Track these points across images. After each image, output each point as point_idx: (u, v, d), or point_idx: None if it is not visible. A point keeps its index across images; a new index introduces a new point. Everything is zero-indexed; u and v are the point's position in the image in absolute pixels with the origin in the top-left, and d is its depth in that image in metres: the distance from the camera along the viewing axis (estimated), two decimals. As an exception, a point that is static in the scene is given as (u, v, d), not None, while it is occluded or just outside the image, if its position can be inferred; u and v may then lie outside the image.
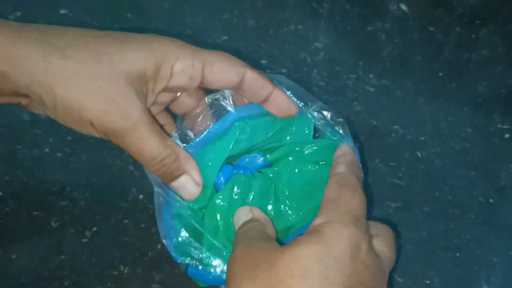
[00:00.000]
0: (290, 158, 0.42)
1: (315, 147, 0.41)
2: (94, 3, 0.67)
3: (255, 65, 0.61)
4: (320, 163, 0.42)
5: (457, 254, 0.48)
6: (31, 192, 0.48)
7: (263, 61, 0.62)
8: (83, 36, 0.33)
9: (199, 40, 0.64)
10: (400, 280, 0.46)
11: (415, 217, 0.50)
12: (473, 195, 0.52)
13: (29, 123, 0.54)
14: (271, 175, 0.41)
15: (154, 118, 0.36)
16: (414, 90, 0.61)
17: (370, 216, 0.50)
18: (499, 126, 0.58)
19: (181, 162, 0.36)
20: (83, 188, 0.49)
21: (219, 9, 0.68)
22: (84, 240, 0.46)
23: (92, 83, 0.32)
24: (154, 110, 0.40)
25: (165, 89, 0.37)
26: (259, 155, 0.42)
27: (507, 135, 0.57)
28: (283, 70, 0.61)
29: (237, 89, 0.39)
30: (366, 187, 0.49)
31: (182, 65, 0.35)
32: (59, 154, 0.51)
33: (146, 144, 0.34)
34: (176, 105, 0.41)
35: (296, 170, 0.41)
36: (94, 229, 0.47)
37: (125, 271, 0.44)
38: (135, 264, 0.45)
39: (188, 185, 0.36)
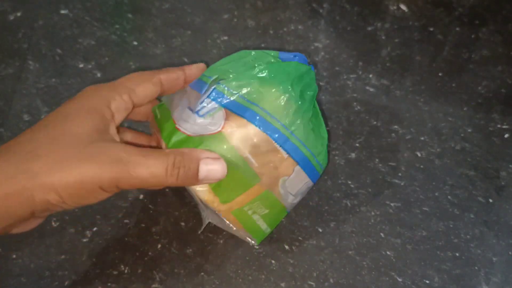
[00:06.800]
0: None
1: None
2: (94, 3, 0.67)
3: (255, 65, 0.62)
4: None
5: (457, 254, 0.48)
6: (31, 192, 0.48)
7: (263, 61, 0.62)
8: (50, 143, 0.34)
9: (199, 40, 0.64)
10: (400, 279, 0.46)
11: (415, 217, 0.50)
12: (473, 195, 0.52)
13: (28, 123, 0.54)
14: None
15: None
16: (414, 90, 0.61)
17: (369, 214, 0.50)
18: (498, 126, 0.58)
19: (190, 153, 0.35)
20: (83, 188, 0.49)
21: (219, 9, 0.68)
22: (84, 240, 0.46)
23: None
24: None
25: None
26: None
27: (506, 135, 0.57)
28: (283, 70, 0.61)
29: (165, 92, 0.42)
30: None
31: (115, 104, 0.38)
32: (59, 154, 0.51)
33: (150, 167, 0.34)
34: (132, 115, 0.43)
35: None
36: (94, 229, 0.47)
37: (125, 271, 0.44)
38: (135, 263, 0.45)
39: (211, 164, 0.35)
